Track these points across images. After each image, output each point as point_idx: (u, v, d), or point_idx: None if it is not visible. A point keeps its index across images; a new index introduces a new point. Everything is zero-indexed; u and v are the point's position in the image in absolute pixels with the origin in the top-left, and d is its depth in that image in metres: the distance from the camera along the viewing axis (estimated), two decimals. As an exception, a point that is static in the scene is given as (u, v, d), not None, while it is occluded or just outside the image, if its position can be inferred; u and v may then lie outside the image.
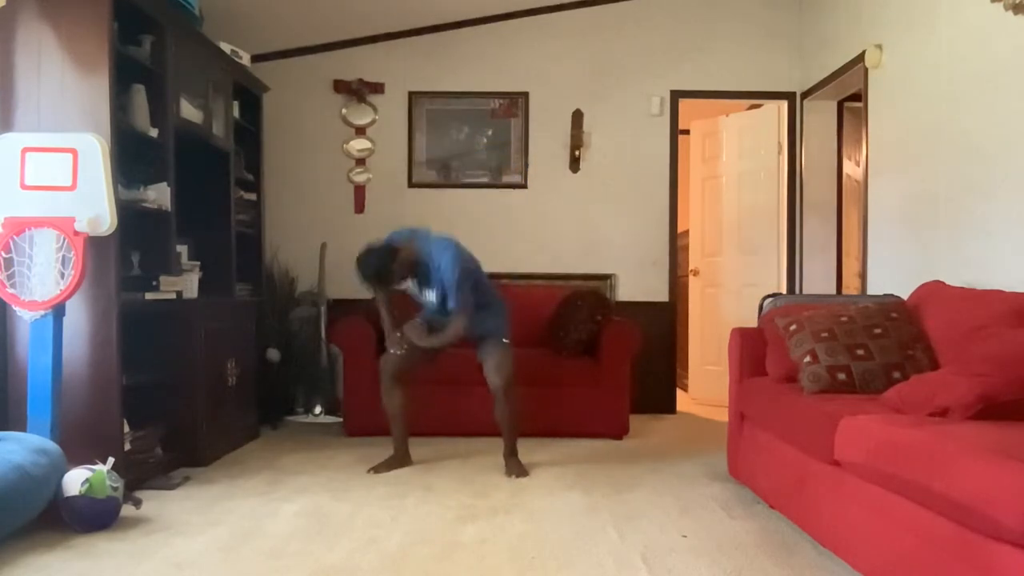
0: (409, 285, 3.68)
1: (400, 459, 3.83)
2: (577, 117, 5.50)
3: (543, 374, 4.49)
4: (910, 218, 4.04)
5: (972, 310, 2.85)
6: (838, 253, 5.42)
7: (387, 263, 3.48)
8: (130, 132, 3.41)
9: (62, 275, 2.95)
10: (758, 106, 5.81)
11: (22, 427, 2.93)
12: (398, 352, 3.77)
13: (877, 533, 2.19)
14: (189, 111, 3.84)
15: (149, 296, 3.51)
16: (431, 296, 3.68)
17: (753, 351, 3.42)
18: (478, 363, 3.78)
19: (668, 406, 5.52)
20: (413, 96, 5.50)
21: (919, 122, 3.96)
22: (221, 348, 4.06)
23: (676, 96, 5.54)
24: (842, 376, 2.85)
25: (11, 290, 2.95)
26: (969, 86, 3.52)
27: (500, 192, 5.50)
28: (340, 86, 5.47)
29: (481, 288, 3.76)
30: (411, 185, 5.49)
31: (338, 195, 5.50)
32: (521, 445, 3.83)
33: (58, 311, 2.96)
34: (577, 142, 5.48)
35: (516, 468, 3.71)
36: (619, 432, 4.55)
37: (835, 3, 5.00)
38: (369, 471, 3.71)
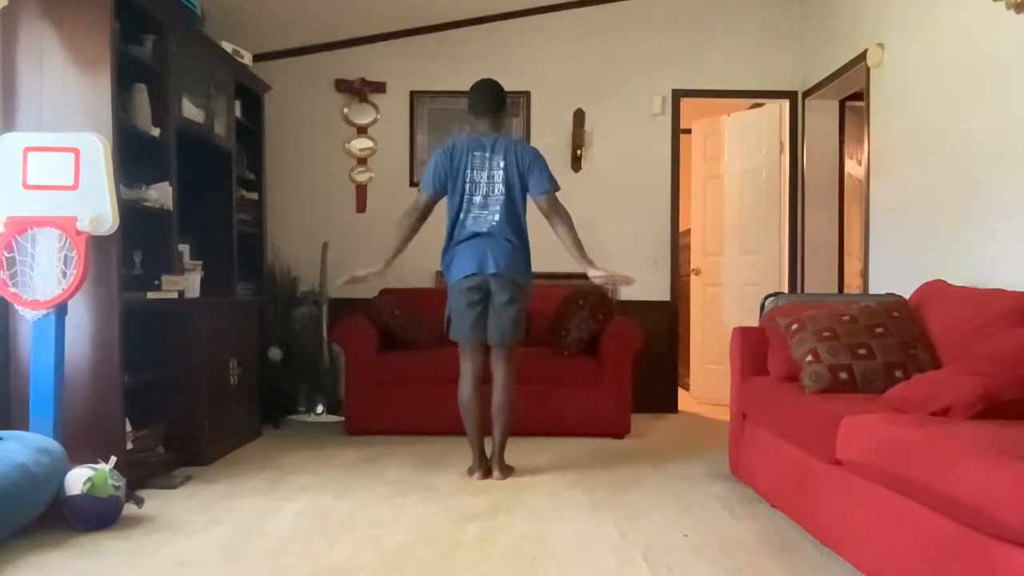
0: (487, 143, 3.58)
1: (483, 462, 3.63)
2: (579, 116, 5.50)
3: (544, 373, 4.49)
4: (912, 217, 4.04)
5: (974, 309, 2.85)
6: (840, 252, 5.42)
7: (504, 94, 3.70)
8: (132, 131, 3.41)
9: (64, 274, 2.95)
10: (760, 105, 5.81)
11: (24, 426, 2.94)
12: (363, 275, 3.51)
13: (879, 532, 2.19)
14: (191, 110, 3.84)
15: (151, 295, 3.51)
16: (499, 164, 3.54)
17: (754, 350, 3.42)
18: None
19: (669, 405, 5.52)
20: (415, 95, 5.50)
21: (921, 121, 3.95)
22: (223, 347, 4.07)
23: (677, 95, 5.54)
24: (844, 375, 2.85)
25: (13, 289, 2.96)
26: (971, 85, 3.51)
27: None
28: (342, 85, 5.48)
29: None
30: (413, 184, 5.47)
31: (340, 194, 5.50)
32: (522, 444, 3.81)
33: (60, 310, 2.96)
34: (579, 141, 5.48)
35: (505, 469, 3.62)
36: (620, 431, 4.55)
37: (837, 2, 4.99)
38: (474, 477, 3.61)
